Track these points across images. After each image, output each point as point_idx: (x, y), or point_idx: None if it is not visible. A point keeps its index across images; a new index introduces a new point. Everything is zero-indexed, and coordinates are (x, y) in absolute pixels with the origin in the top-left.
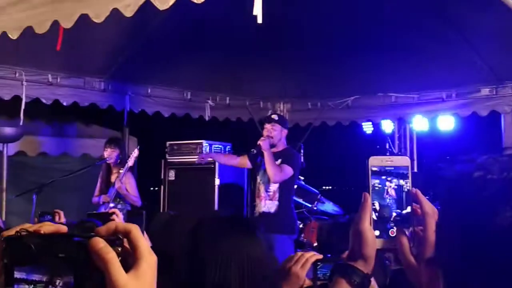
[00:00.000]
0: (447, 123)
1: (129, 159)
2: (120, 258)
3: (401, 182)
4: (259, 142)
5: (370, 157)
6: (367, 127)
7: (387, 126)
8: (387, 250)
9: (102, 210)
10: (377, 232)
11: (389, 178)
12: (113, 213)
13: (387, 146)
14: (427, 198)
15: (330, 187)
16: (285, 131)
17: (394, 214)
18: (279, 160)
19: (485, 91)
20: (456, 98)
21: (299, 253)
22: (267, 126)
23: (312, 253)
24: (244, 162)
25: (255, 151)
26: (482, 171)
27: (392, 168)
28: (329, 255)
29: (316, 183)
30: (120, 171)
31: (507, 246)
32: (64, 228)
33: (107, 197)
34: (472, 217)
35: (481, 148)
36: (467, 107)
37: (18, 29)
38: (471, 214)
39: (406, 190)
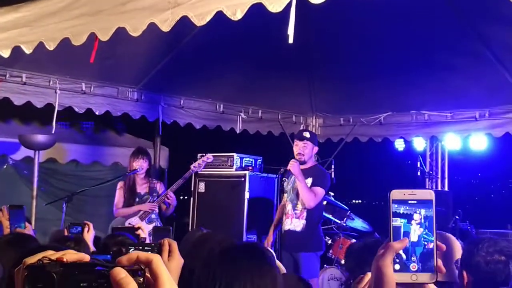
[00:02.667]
0: (479, 142)
1: (197, 164)
2: None
3: (423, 225)
4: (289, 167)
5: (392, 190)
6: (399, 144)
7: (419, 143)
8: (407, 285)
9: (138, 221)
10: (397, 266)
11: (410, 220)
12: (139, 227)
13: (418, 164)
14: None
15: (360, 201)
16: (316, 149)
17: (415, 257)
18: (309, 179)
19: None
20: (489, 117)
21: None
22: (299, 143)
23: None
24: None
25: (283, 170)
26: None
27: (415, 202)
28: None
29: (346, 197)
30: (153, 181)
31: None
32: (87, 257)
33: (154, 206)
34: None
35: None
36: (500, 127)
37: (55, 40)
38: None
39: (426, 233)
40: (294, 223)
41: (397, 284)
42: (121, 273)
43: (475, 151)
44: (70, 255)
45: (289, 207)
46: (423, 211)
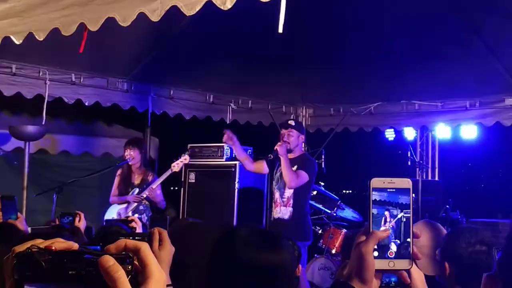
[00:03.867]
0: (470, 131)
1: (176, 164)
2: (130, 276)
3: (400, 212)
4: (276, 147)
5: (372, 178)
6: (390, 134)
7: (410, 133)
8: (385, 271)
9: (124, 211)
10: (376, 253)
11: (388, 208)
12: (132, 220)
13: (409, 154)
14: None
15: (350, 191)
16: (302, 137)
17: (393, 244)
18: (295, 166)
19: (509, 101)
20: (480, 107)
21: None
22: (284, 131)
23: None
24: (260, 166)
25: (272, 156)
26: None
27: (394, 190)
28: None
29: (336, 187)
30: (148, 173)
31: None
32: (76, 245)
33: (138, 198)
34: None
35: (502, 157)
36: (490, 116)
37: (44, 30)
38: None
39: (404, 220)
40: (282, 211)
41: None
42: (109, 261)
43: (465, 140)
44: (59, 244)
45: (277, 195)
46: (401, 199)
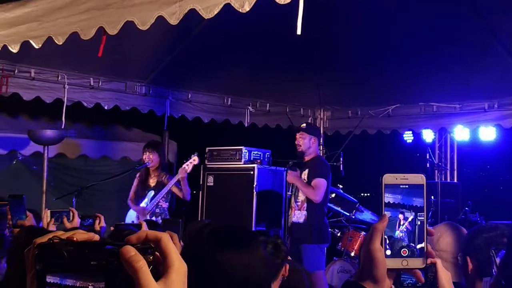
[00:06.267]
0: (488, 133)
1: (188, 165)
2: (151, 266)
3: (414, 215)
4: (287, 179)
5: (384, 174)
6: (408, 136)
7: (428, 135)
8: (398, 270)
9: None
10: (388, 252)
11: (402, 210)
12: (140, 225)
13: (427, 156)
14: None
15: (368, 194)
16: (314, 139)
17: (406, 249)
18: (307, 170)
19: None
20: (498, 108)
21: None
22: (297, 135)
23: None
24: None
25: (291, 163)
26: None
27: (407, 187)
28: None
29: (355, 190)
30: (162, 174)
31: None
32: (96, 237)
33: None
34: None
35: None
36: (509, 118)
37: (63, 34)
38: None
39: (419, 223)
40: (297, 215)
41: (388, 269)
42: (131, 251)
43: (484, 142)
44: (80, 235)
45: (292, 199)
46: (415, 202)
